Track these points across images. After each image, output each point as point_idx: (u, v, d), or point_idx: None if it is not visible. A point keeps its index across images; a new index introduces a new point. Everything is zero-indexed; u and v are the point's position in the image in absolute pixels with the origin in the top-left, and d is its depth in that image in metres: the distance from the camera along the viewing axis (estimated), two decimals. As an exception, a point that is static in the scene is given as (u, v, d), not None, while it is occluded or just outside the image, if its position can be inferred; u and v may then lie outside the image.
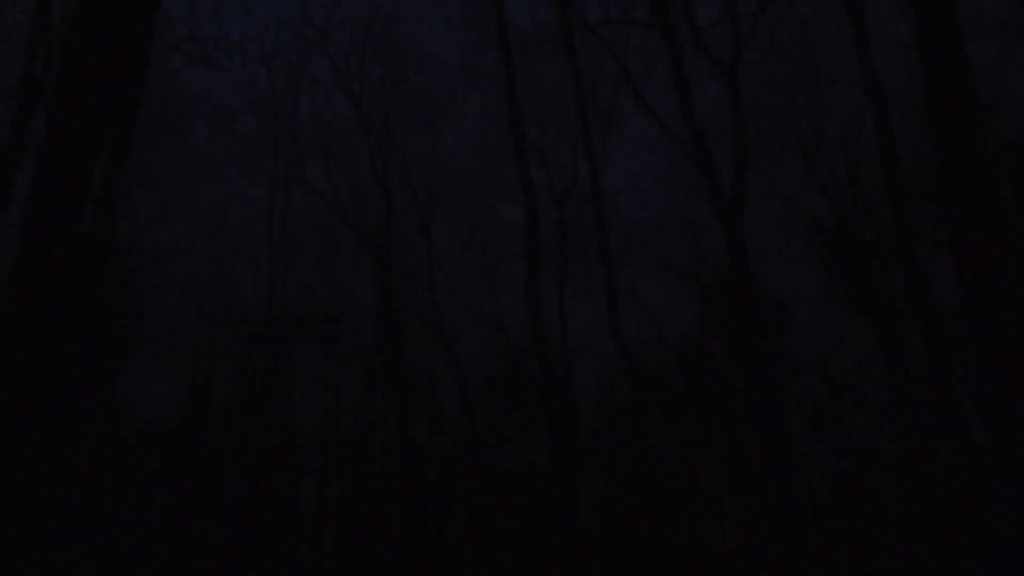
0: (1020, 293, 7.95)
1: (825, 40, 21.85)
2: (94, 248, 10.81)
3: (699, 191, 25.33)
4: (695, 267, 24.84)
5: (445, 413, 27.25)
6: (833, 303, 20.93)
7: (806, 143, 21.81)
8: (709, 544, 21.06)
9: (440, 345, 25.71)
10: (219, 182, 28.54)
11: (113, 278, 22.38)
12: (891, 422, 17.57)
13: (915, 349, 17.93)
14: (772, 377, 14.11)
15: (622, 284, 25.53)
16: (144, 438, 23.60)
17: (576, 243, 25.04)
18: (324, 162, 28.24)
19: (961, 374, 15.73)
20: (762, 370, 14.15)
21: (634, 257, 25.53)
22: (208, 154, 28.60)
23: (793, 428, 20.47)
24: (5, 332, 7.53)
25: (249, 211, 28.64)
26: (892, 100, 20.35)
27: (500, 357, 27.84)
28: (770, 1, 17.53)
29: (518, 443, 26.06)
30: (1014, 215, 16.57)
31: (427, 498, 22.38)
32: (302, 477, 25.71)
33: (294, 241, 28.54)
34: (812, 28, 21.96)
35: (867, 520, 17.88)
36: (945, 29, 8.99)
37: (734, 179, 16.21)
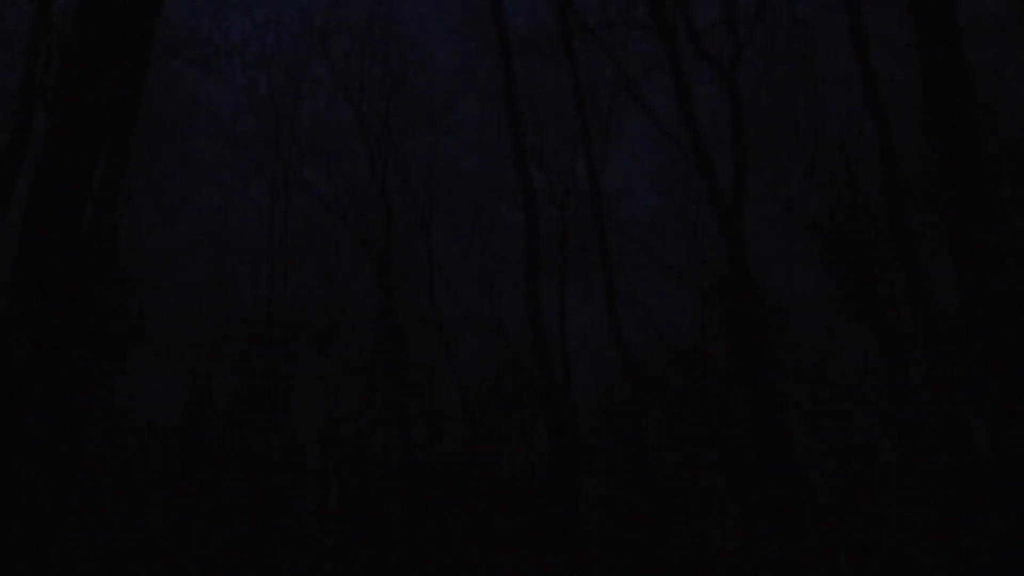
0: (1020, 294, 7.96)
1: (824, 41, 21.89)
2: (94, 249, 10.82)
3: (698, 192, 25.37)
4: (695, 269, 24.86)
5: (445, 415, 27.25)
6: (833, 304, 20.94)
7: (805, 145, 21.84)
8: (709, 545, 21.06)
9: (440, 347, 25.72)
10: (219, 185, 28.54)
11: (113, 280, 22.39)
12: (891, 423, 17.57)
13: (915, 350, 17.94)
14: (771, 378, 14.11)
15: (622, 286, 25.56)
16: (144, 439, 23.58)
17: (576, 245, 25.07)
18: (324, 165, 28.28)
19: (961, 375, 15.74)
20: (762, 372, 14.16)
21: (634, 259, 25.56)
22: (208, 157, 28.62)
23: (793, 429, 20.47)
24: (5, 332, 7.54)
25: (249, 213, 28.66)
26: (891, 101, 20.38)
27: (500, 359, 27.85)
28: (769, 3, 17.56)
29: (518, 444, 26.05)
30: (1013, 216, 16.59)
31: (427, 500, 22.38)
32: (302, 479, 25.69)
33: (294, 243, 28.56)
34: (811, 29, 22.01)
35: (867, 521, 17.88)
36: (944, 30, 9.01)
37: (733, 181, 16.22)
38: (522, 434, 26.09)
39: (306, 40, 28.27)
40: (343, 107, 29.54)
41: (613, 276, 18.93)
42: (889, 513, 17.40)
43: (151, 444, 23.64)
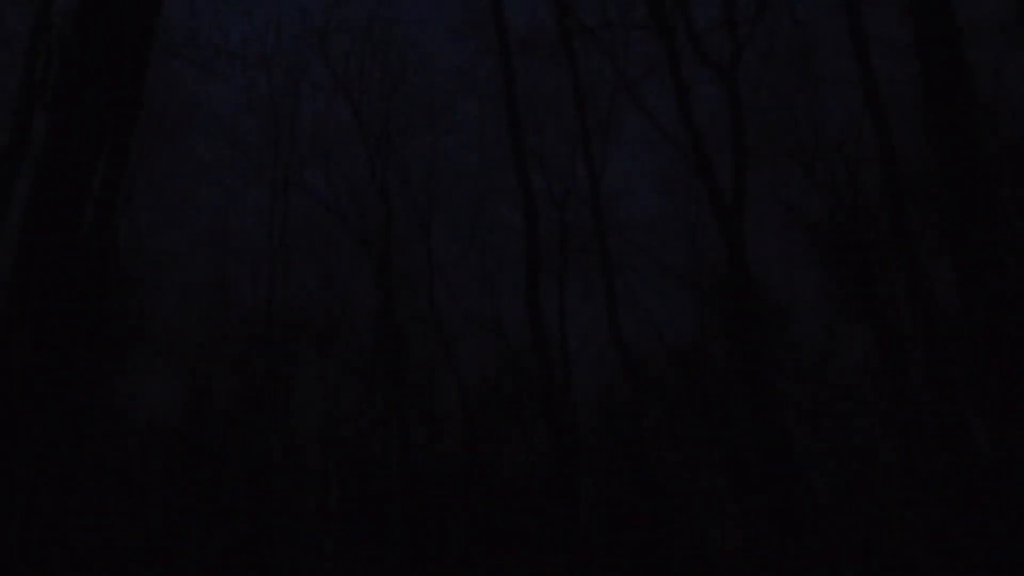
0: (1020, 294, 7.97)
1: (824, 42, 21.91)
2: (94, 249, 10.82)
3: (698, 193, 25.39)
4: (694, 269, 24.88)
5: (445, 415, 27.25)
6: (832, 304, 20.95)
7: (805, 146, 21.85)
8: (709, 545, 21.05)
9: (440, 347, 25.72)
10: (219, 185, 28.56)
11: (114, 280, 22.40)
12: (891, 423, 17.58)
13: (915, 350, 17.94)
14: (771, 378, 14.12)
15: (621, 286, 25.56)
16: (144, 439, 23.59)
17: (575, 245, 25.08)
18: (323, 165, 28.30)
19: (961, 375, 15.74)
20: (761, 372, 14.16)
21: (634, 259, 25.57)
22: (208, 157, 28.64)
23: (793, 429, 20.48)
24: (5, 332, 7.54)
25: (249, 214, 28.68)
26: (891, 102, 20.39)
27: (500, 359, 27.86)
28: (768, 5, 17.58)
29: (518, 444, 26.06)
30: (1013, 216, 16.60)
31: (427, 500, 22.38)
32: (302, 479, 25.70)
33: (294, 244, 28.58)
34: (810, 30, 22.02)
35: (867, 521, 17.88)
36: (943, 31, 9.02)
37: (733, 181, 16.23)
38: (522, 434, 26.10)
39: (306, 41, 28.30)
40: (343, 108, 29.58)
41: (613, 276, 18.94)
42: (889, 513, 17.40)
43: (151, 444, 23.65)
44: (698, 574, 19.45)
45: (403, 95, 28.01)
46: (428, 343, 27.68)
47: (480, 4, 26.19)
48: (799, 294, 22.77)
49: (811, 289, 22.29)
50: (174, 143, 25.99)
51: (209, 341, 26.21)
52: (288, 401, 26.19)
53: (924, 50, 9.09)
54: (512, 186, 27.29)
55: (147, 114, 24.66)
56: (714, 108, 24.21)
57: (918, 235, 18.36)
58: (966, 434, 12.34)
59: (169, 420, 24.68)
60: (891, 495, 17.62)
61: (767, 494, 13.19)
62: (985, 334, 7.98)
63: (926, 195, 18.31)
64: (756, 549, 19.73)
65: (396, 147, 27.48)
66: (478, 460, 24.23)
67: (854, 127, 21.05)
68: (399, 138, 27.66)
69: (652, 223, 26.60)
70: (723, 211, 15.84)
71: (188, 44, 22.81)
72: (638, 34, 21.88)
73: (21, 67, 15.34)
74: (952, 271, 8.54)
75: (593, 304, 27.18)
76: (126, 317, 23.39)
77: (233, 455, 23.35)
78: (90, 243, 10.75)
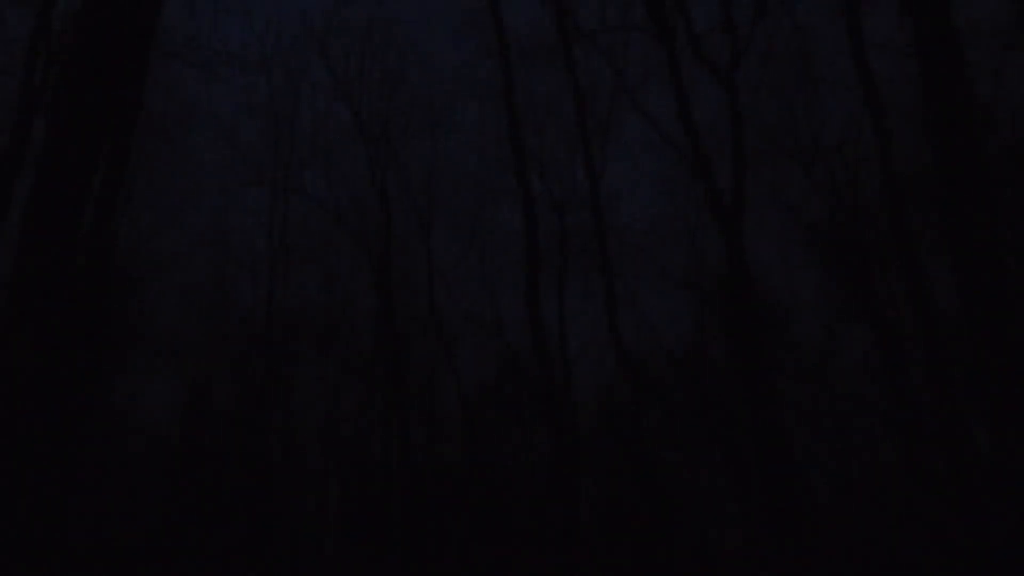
0: (1019, 294, 7.98)
1: (823, 43, 21.94)
2: (94, 252, 10.83)
3: (698, 195, 25.40)
4: (694, 272, 24.88)
5: (445, 417, 27.25)
6: (832, 306, 20.95)
7: (804, 148, 21.87)
8: (709, 545, 21.05)
9: (440, 349, 25.72)
10: (219, 187, 28.58)
11: (113, 281, 22.42)
12: (891, 423, 17.58)
13: (915, 350, 17.95)
14: (771, 379, 14.12)
15: (621, 288, 25.58)
16: (144, 440, 23.59)
17: (575, 248, 25.10)
18: (323, 167, 28.32)
19: (961, 375, 15.75)
20: (761, 372, 14.17)
21: (634, 261, 25.59)
22: (208, 159, 28.66)
23: (793, 430, 20.48)
24: (5, 333, 7.54)
25: (249, 216, 28.70)
26: (890, 103, 20.42)
27: (500, 361, 27.86)
28: (767, 7, 17.61)
29: (518, 445, 26.05)
30: (1013, 217, 16.62)
31: (427, 500, 22.37)
32: (302, 479, 25.70)
33: (293, 247, 28.60)
34: (809, 33, 22.05)
35: (867, 521, 17.88)
36: (942, 32, 9.04)
37: (733, 183, 16.25)
38: (522, 435, 26.10)
39: (305, 43, 28.34)
40: (343, 109, 29.61)
41: (613, 278, 18.95)
42: (889, 513, 17.40)
43: (151, 444, 23.65)
44: (698, 574, 19.43)
45: (403, 97, 28.07)
46: (428, 344, 27.69)
47: (479, 7, 26.24)
48: (799, 295, 22.79)
49: (811, 290, 22.31)
50: (174, 144, 26.02)
51: (209, 342, 26.22)
52: (288, 401, 26.20)
53: (923, 51, 9.12)
54: (512, 188, 27.32)
55: (147, 116, 24.69)
56: (713, 110, 24.25)
57: (918, 235, 18.38)
58: (966, 434, 12.35)
59: (169, 420, 24.69)
60: (891, 495, 17.61)
61: (767, 494, 13.19)
62: (985, 334, 7.99)
63: (926, 195, 18.33)
64: (756, 549, 19.72)
65: (396, 149, 27.52)
66: (478, 460, 24.24)
67: (853, 128, 21.08)
68: (399, 140, 27.71)
69: (652, 225, 26.63)
70: (722, 212, 15.86)
71: (188, 47, 22.82)
72: (637, 36, 21.93)
73: (21, 69, 15.36)
74: (952, 271, 8.56)
75: (593, 305, 27.20)
76: (126, 318, 23.41)
77: (233, 455, 23.36)
78: (90, 243, 10.75)
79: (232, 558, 21.65)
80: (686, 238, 25.45)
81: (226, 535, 21.94)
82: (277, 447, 24.73)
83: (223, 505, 22.25)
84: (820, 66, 21.94)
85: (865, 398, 19.21)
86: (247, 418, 23.97)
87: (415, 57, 28.55)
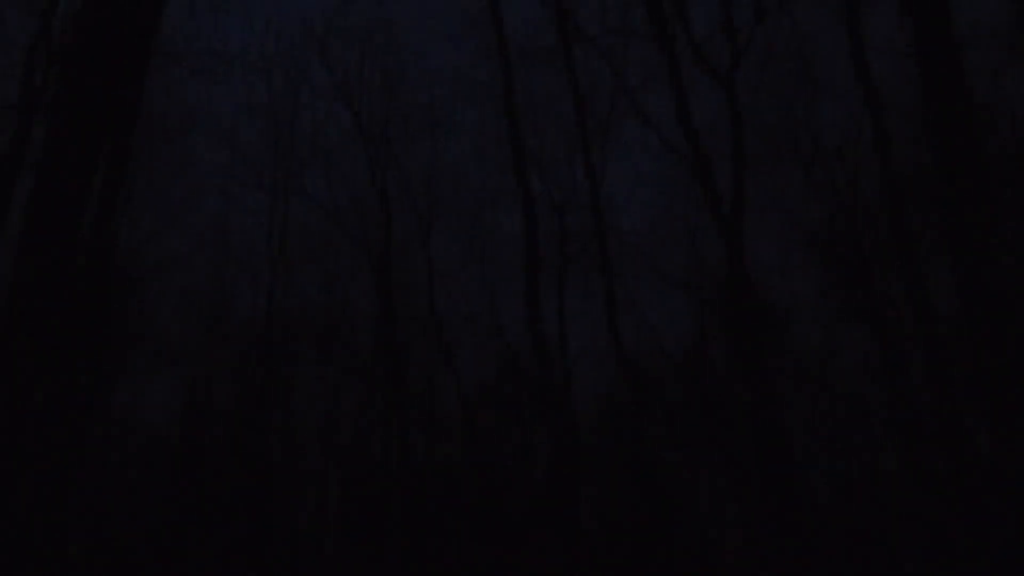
0: (1018, 296, 7.99)
1: (822, 46, 21.98)
2: (94, 252, 10.83)
3: (698, 197, 25.41)
4: (694, 274, 24.89)
5: (444, 420, 27.25)
6: (832, 308, 20.96)
7: (804, 150, 21.89)
8: (709, 545, 21.04)
9: (439, 351, 25.72)
10: (219, 190, 28.61)
11: (113, 283, 22.43)
12: (891, 424, 17.58)
13: (915, 352, 17.96)
14: (771, 381, 14.13)
15: (621, 290, 25.59)
16: (144, 441, 23.59)
17: (575, 250, 25.10)
18: (323, 170, 28.35)
19: (961, 377, 15.76)
20: (761, 374, 14.17)
21: (634, 264, 25.60)
22: (208, 162, 28.69)
23: (793, 431, 20.48)
24: (5, 334, 7.55)
25: (249, 219, 28.73)
26: (890, 106, 20.44)
27: (500, 362, 27.86)
28: (767, 10, 17.64)
29: (518, 447, 26.05)
30: (1012, 219, 16.63)
31: (427, 501, 22.35)
32: (302, 480, 25.70)
33: (293, 248, 28.62)
34: (809, 37, 22.08)
35: (867, 521, 17.87)
36: (942, 34, 9.06)
37: (732, 186, 16.26)
38: (522, 435, 26.09)
39: (305, 45, 28.37)
40: (343, 112, 29.63)
41: (613, 280, 18.96)
42: (889, 514, 17.40)
43: (151, 445, 23.66)
44: (698, 574, 19.42)
45: (403, 99, 28.10)
46: (428, 345, 27.70)
47: (479, 10, 26.26)
48: (799, 296, 22.80)
49: (811, 291, 22.31)
50: (174, 147, 26.04)
51: (209, 343, 26.23)
52: (288, 402, 26.21)
53: (923, 54, 9.13)
54: (512, 190, 27.33)
55: (147, 118, 24.71)
56: (713, 111, 24.27)
57: (917, 236, 18.39)
58: (966, 434, 12.35)
59: (169, 421, 24.70)
60: (891, 496, 17.61)
61: (767, 495, 13.19)
62: (985, 335, 7.99)
63: (925, 196, 18.35)
64: (756, 549, 19.71)
65: (396, 150, 27.55)
66: (478, 461, 24.23)
67: (853, 129, 21.11)
68: (399, 141, 27.73)
69: (652, 228, 26.64)
70: (722, 214, 15.87)
71: (188, 50, 22.87)
72: (637, 39, 21.94)
73: (21, 69, 15.38)
74: (952, 272, 8.57)
75: (593, 306, 27.20)
76: (126, 318, 23.42)
77: (233, 456, 23.36)
78: (90, 244, 10.76)
79: (232, 558, 21.65)
80: (686, 239, 25.47)
81: (226, 535, 21.93)
82: (277, 447, 24.74)
83: (223, 505, 22.25)
84: (820, 68, 21.97)
85: (865, 399, 19.21)
86: (247, 418, 23.97)
87: (415, 59, 28.62)
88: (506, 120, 17.60)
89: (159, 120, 25.30)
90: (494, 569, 22.49)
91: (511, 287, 27.91)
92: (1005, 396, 7.66)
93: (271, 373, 24.83)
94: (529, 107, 26.16)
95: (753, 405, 13.94)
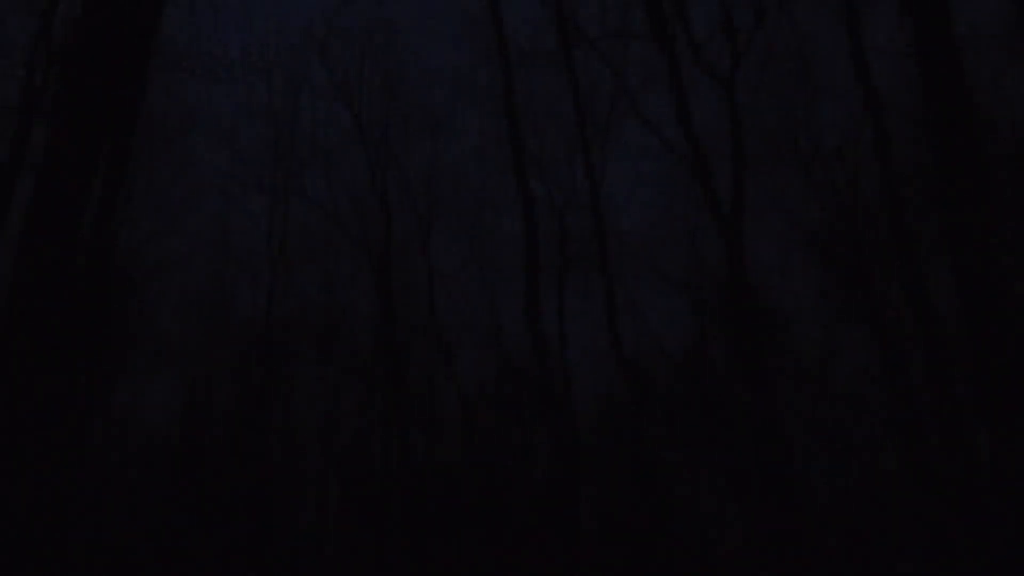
0: (1018, 296, 7.99)
1: (822, 47, 21.99)
2: (94, 253, 10.83)
3: (698, 199, 25.41)
4: (694, 275, 24.90)
5: (444, 422, 27.24)
6: (832, 309, 20.97)
7: (804, 151, 21.90)
8: (709, 546, 21.03)
9: (439, 353, 25.73)
10: (219, 191, 28.63)
11: (113, 284, 22.44)
12: (891, 426, 17.58)
13: (915, 353, 17.95)
14: (771, 382, 14.13)
15: (621, 292, 25.59)
16: (143, 444, 23.59)
17: (575, 251, 25.11)
18: (323, 172, 28.37)
19: (961, 378, 15.76)
20: (761, 375, 14.17)
21: (634, 265, 25.60)
22: (208, 164, 28.70)
23: (793, 432, 20.48)
24: (5, 336, 7.55)
25: (249, 220, 28.74)
26: (889, 106, 20.45)
27: (500, 367, 27.86)
28: (767, 12, 17.66)
29: (518, 448, 26.05)
30: (1012, 221, 16.64)
31: (427, 504, 22.35)
32: (302, 483, 25.70)
33: (294, 251, 28.63)
34: (809, 38, 22.09)
35: (867, 522, 17.88)
36: (942, 35, 9.06)
37: (732, 187, 16.28)
38: (522, 436, 26.09)
39: (306, 47, 28.39)
40: (343, 113, 29.66)
41: (613, 281, 18.97)
42: (889, 514, 17.40)
43: (151, 445, 23.66)
44: (698, 575, 19.43)
45: (403, 100, 28.12)
46: (428, 346, 27.71)
47: (479, 12, 26.29)
48: (799, 297, 22.80)
49: (810, 292, 22.31)
50: (174, 147, 26.06)
51: (209, 344, 26.24)
52: (288, 402, 26.22)
53: (923, 54, 9.14)
54: (512, 192, 27.34)
55: (148, 118, 24.72)
56: (713, 112, 24.27)
57: (917, 237, 18.40)
58: (966, 435, 12.35)
59: (169, 421, 24.71)
60: (891, 496, 17.61)
61: (767, 495, 13.19)
62: (984, 335, 8.00)
63: (925, 197, 18.35)
64: (756, 550, 19.71)
65: (396, 152, 27.56)
66: (478, 461, 24.23)
67: (853, 131, 21.11)
68: (399, 143, 27.76)
69: (652, 230, 26.64)
70: (722, 215, 15.88)
71: (188, 51, 22.89)
72: (637, 40, 21.96)
73: (22, 69, 15.40)
74: (952, 273, 8.57)
75: (593, 307, 27.20)
76: (126, 320, 23.43)
77: (233, 456, 23.37)
78: (90, 244, 10.76)
79: (232, 558, 21.65)
80: (686, 240, 25.47)
81: (226, 535, 21.94)
82: (277, 447, 24.75)
83: (223, 505, 22.26)
84: (820, 68, 21.98)
85: (865, 400, 19.21)
86: (247, 418, 23.98)
87: (415, 60, 28.64)
88: (506, 121, 17.61)
89: (159, 121, 25.31)
90: (494, 569, 22.48)
91: (511, 287, 27.93)
92: (1005, 396, 7.66)
93: (271, 373, 24.84)
94: (529, 108, 26.18)
95: (753, 405, 13.94)
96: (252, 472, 22.96)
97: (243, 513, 22.37)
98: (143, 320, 24.32)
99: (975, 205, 8.34)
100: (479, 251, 28.36)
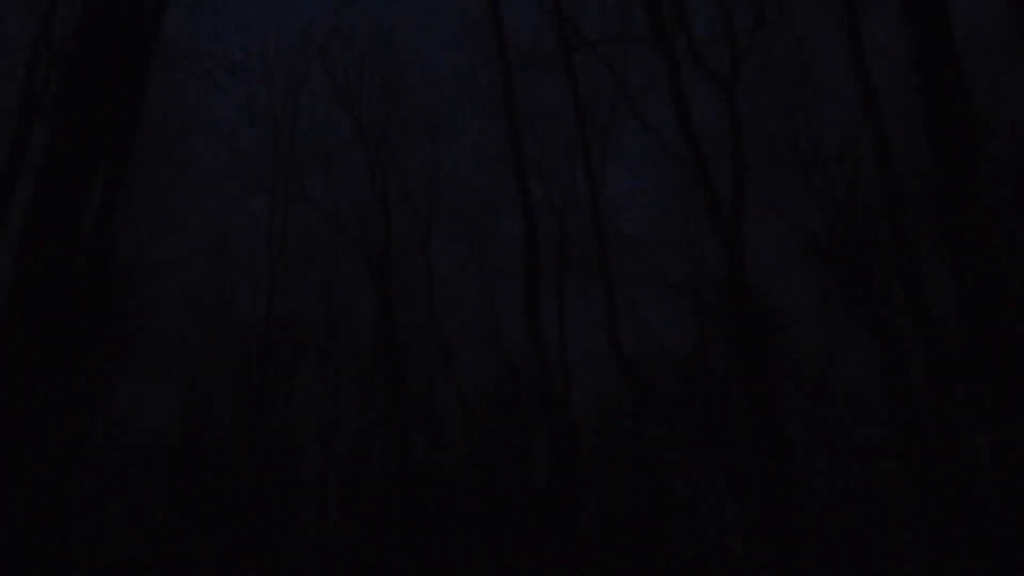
0: (1017, 298, 8.00)
1: (822, 51, 22.01)
2: (94, 254, 10.84)
3: (698, 202, 25.42)
4: (694, 278, 24.90)
5: (444, 426, 27.24)
6: (832, 312, 20.98)
7: (804, 154, 21.92)
8: (709, 546, 21.02)
9: (439, 355, 25.74)
10: (219, 195, 28.64)
11: (113, 286, 22.45)
12: (890, 428, 17.58)
13: (914, 356, 17.96)
14: (771, 385, 14.14)
15: (621, 295, 25.59)
16: (143, 445, 23.59)
17: (575, 255, 25.11)
18: (323, 175, 28.38)
19: (960, 380, 15.76)
20: (761, 378, 14.17)
21: (633, 268, 25.61)
22: (208, 167, 28.72)
23: (793, 434, 20.48)
24: (5, 338, 7.55)
25: (249, 223, 28.76)
26: (889, 111, 20.47)
27: (500, 370, 27.86)
28: (767, 16, 17.68)
29: (518, 450, 26.04)
30: (1011, 224, 16.65)
31: (426, 504, 22.35)
32: (302, 484, 25.69)
33: (293, 255, 28.63)
34: (809, 41, 22.12)
35: (867, 524, 17.87)
36: (941, 41, 9.08)
37: (732, 191, 16.28)
38: (522, 438, 26.09)
39: (306, 50, 28.42)
40: (343, 116, 29.69)
41: (612, 284, 18.97)
42: (889, 515, 17.39)
43: (151, 447, 23.65)
44: (698, 574, 19.42)
45: (403, 103, 28.14)
46: (428, 348, 27.71)
47: (480, 16, 26.32)
48: (798, 300, 22.80)
49: (810, 295, 22.32)
50: (174, 149, 26.07)
51: (209, 346, 26.24)
52: (288, 404, 26.22)
53: (923, 60, 9.15)
54: (512, 194, 27.36)
55: (148, 121, 24.74)
56: (713, 116, 24.29)
57: (917, 240, 18.41)
58: (966, 436, 12.35)
59: (169, 423, 24.70)
60: (891, 498, 17.61)
61: (767, 497, 13.19)
62: (984, 336, 8.00)
63: (925, 200, 18.37)
64: (756, 551, 19.70)
65: (396, 155, 27.58)
66: (478, 463, 24.22)
67: (853, 134, 21.13)
68: (399, 146, 27.77)
69: (652, 233, 26.65)
70: (722, 218, 15.89)
71: (189, 53, 22.90)
72: (637, 44, 21.98)
73: (22, 71, 15.41)
74: (951, 275, 8.58)
75: (593, 310, 27.21)
76: (126, 321, 23.44)
77: (233, 458, 23.35)
78: (90, 246, 10.77)
79: (232, 559, 21.64)
80: (686, 243, 25.48)
81: (226, 537, 21.93)
82: (277, 448, 24.74)
83: (223, 507, 22.25)
84: (819, 72, 22.00)
85: (864, 402, 19.21)
86: (247, 420, 23.98)
87: (415, 62, 28.65)
88: (506, 122, 17.63)
89: (159, 123, 25.33)
90: (494, 570, 22.47)
91: (511, 290, 27.94)
92: (1005, 396, 7.67)
93: (271, 375, 24.84)
94: (529, 110, 26.20)
95: (753, 408, 13.95)
96: (252, 473, 22.96)
97: (243, 513, 22.36)
98: (143, 321, 24.32)
99: (974, 207, 8.35)
100: (479, 252, 28.37)
